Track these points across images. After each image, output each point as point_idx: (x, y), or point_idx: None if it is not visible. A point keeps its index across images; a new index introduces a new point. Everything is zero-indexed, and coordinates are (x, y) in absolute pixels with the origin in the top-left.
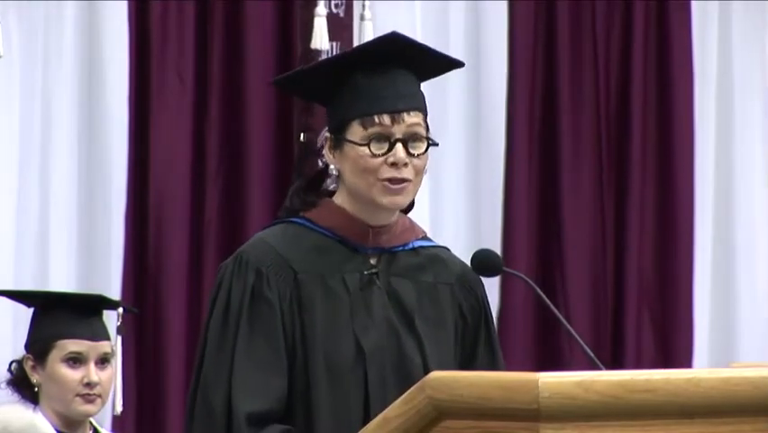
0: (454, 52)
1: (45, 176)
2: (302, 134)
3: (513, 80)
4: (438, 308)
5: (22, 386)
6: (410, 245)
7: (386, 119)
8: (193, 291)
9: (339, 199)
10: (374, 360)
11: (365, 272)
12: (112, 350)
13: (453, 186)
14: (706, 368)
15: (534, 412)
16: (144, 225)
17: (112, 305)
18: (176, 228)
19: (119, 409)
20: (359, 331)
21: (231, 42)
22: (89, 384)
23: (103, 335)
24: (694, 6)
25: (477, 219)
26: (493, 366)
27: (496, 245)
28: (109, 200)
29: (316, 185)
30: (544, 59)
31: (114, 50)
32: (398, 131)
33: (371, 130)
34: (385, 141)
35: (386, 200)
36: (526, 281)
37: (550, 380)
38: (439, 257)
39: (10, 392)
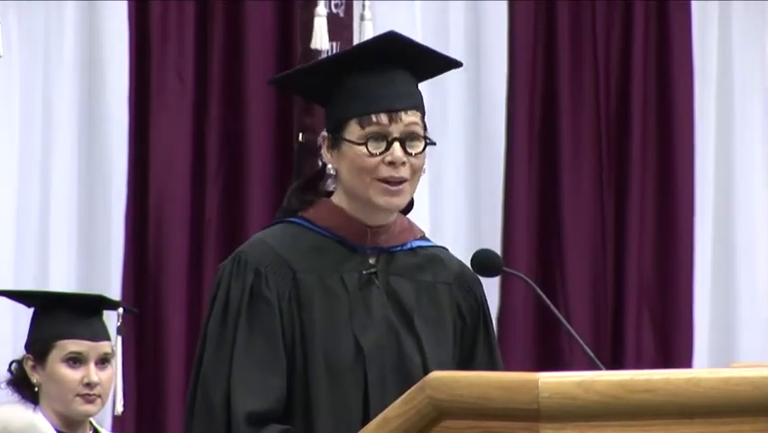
0: (454, 52)
1: (45, 176)
2: (300, 135)
3: (513, 80)
4: (437, 307)
5: (22, 386)
6: (408, 245)
7: (383, 118)
8: (193, 291)
9: (337, 199)
10: (373, 359)
11: (364, 272)
12: (112, 350)
13: (453, 186)
14: (706, 368)
15: (534, 412)
16: (144, 225)
17: (112, 305)
18: (176, 228)
19: (120, 409)
20: (358, 330)
21: (231, 42)
22: (89, 384)
23: (103, 335)
24: (694, 6)
25: (477, 219)
26: (492, 366)
27: (496, 245)
28: (109, 200)
29: (314, 185)
30: (544, 59)
31: (114, 50)
32: (396, 130)
33: (369, 129)
34: (382, 140)
35: (382, 201)
36: (526, 281)
37: (550, 380)
38: (438, 257)
39: (10, 392)
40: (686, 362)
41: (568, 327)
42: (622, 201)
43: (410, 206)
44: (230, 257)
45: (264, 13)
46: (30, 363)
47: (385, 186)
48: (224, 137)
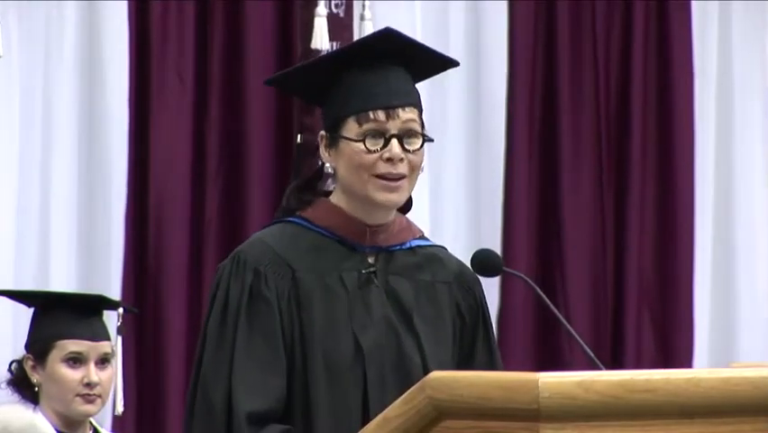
0: (454, 52)
1: (45, 176)
2: (299, 135)
3: (513, 80)
4: (436, 306)
5: (23, 386)
6: (408, 245)
7: (381, 115)
8: (193, 291)
9: (335, 199)
10: (373, 359)
11: (363, 271)
12: (112, 350)
13: (453, 186)
14: (706, 368)
15: (534, 412)
16: (144, 225)
17: (112, 305)
18: (176, 228)
19: (120, 409)
20: (357, 330)
21: (231, 42)
22: (89, 384)
23: (103, 335)
24: (694, 6)
25: (477, 219)
26: (491, 366)
27: (496, 245)
28: (109, 200)
29: (313, 185)
30: (544, 59)
31: (114, 50)
32: (393, 126)
33: (366, 126)
34: (380, 137)
35: (381, 197)
36: (526, 281)
37: (550, 380)
38: (437, 256)
39: (10, 392)
40: (686, 362)
41: (568, 327)
42: (622, 201)
43: (409, 205)
44: (229, 257)
45: (264, 13)
46: (30, 363)
47: (383, 182)
48: (224, 137)
